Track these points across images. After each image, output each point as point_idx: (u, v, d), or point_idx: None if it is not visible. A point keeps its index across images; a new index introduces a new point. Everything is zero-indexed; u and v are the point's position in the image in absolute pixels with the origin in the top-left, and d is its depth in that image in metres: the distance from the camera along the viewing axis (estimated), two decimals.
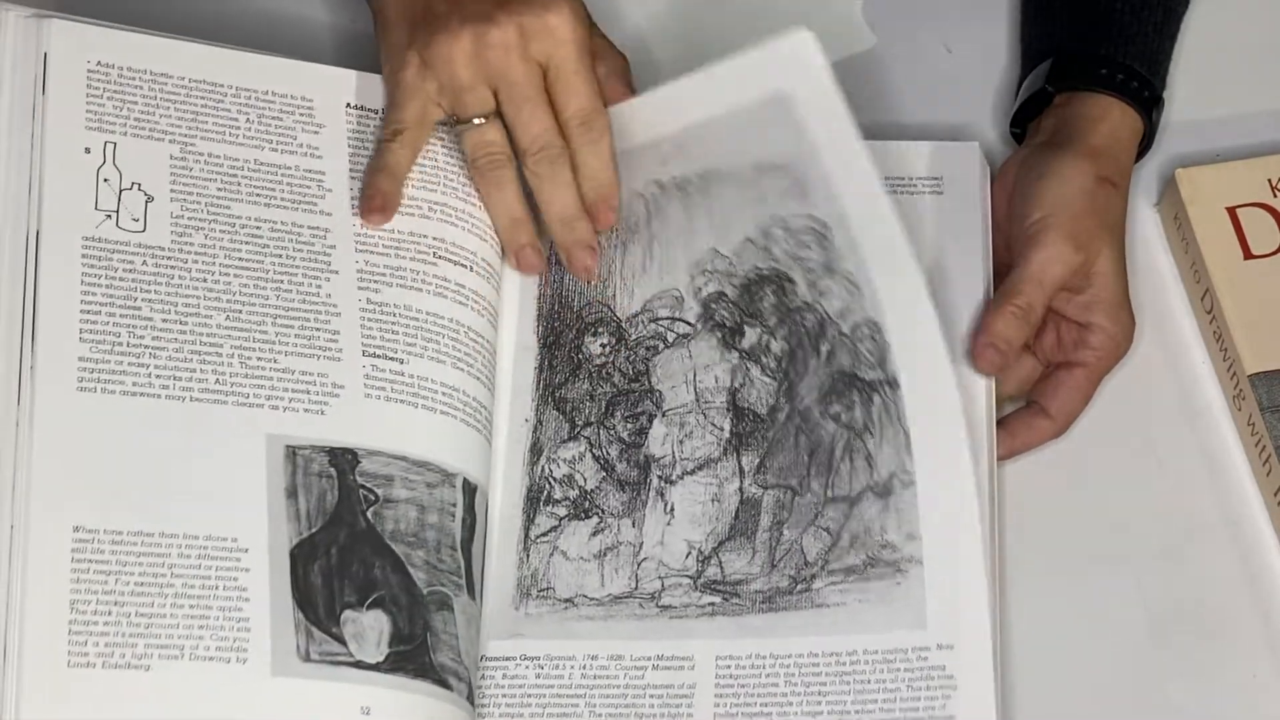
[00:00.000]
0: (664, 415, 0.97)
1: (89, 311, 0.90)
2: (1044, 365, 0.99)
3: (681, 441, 0.96)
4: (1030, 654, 0.94)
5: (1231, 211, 1.02)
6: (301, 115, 0.98)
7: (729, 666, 0.91)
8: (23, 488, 0.86)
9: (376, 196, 0.96)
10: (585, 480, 0.96)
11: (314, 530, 0.90)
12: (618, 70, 0.99)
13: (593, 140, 0.97)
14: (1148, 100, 1.01)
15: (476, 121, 0.96)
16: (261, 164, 0.96)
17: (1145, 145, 1.02)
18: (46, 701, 0.83)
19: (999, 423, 0.97)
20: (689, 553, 0.94)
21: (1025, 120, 1.03)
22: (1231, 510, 0.98)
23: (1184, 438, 1.00)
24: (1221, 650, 0.95)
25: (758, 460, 0.95)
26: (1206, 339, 1.02)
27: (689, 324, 0.98)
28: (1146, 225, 1.05)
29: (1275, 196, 1.03)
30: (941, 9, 1.11)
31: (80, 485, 0.87)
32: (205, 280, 0.93)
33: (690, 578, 0.94)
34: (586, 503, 0.96)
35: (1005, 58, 1.09)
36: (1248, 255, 1.01)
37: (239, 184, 0.95)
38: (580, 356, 0.99)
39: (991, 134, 1.07)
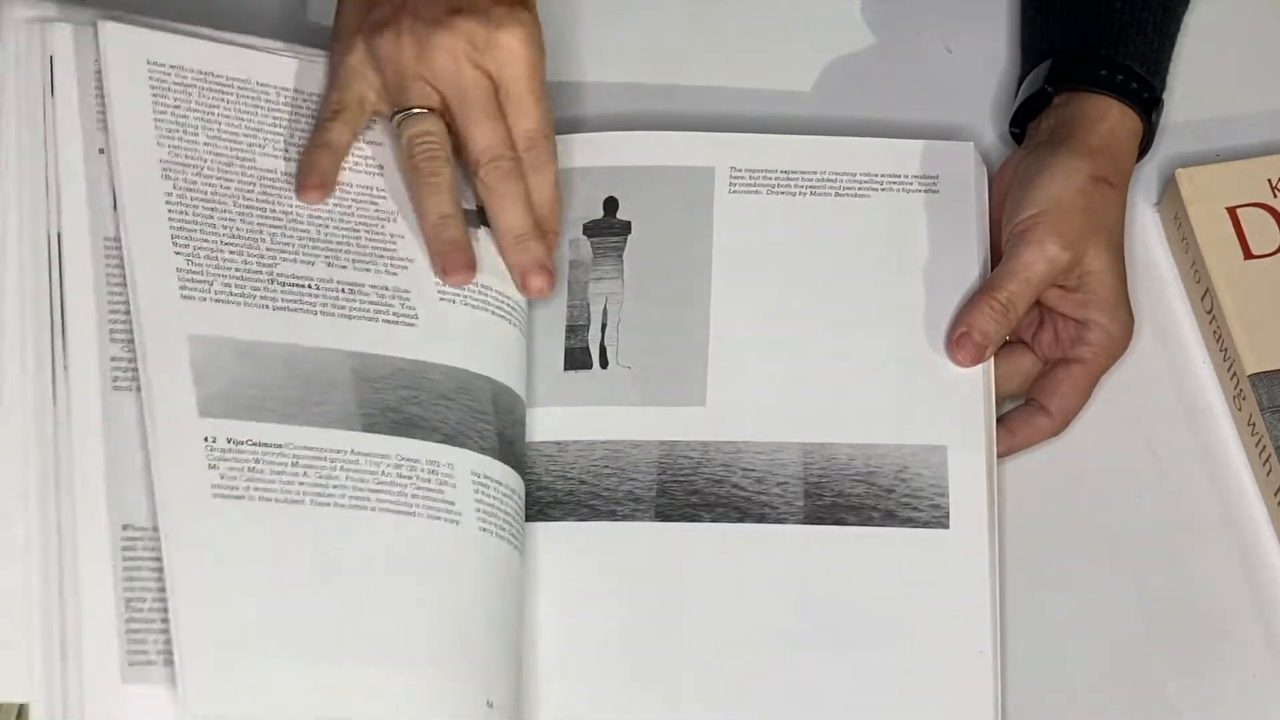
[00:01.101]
0: None
1: (116, 311, 0.89)
2: (1043, 362, 0.98)
3: None
4: (1030, 654, 0.94)
5: (1231, 211, 1.02)
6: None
7: None
8: (66, 490, 0.85)
9: (314, 174, 0.95)
10: None
11: None
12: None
13: (539, 164, 0.95)
14: (1147, 101, 1.01)
15: (416, 111, 0.94)
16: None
17: (1145, 146, 1.02)
18: (110, 702, 0.82)
19: (998, 420, 0.97)
20: None
21: (1025, 120, 1.03)
22: (1231, 510, 0.98)
23: (1184, 438, 1.00)
24: (1221, 650, 0.95)
25: None
26: (1206, 339, 1.02)
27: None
28: (1146, 225, 1.05)
29: (1275, 196, 1.03)
30: (941, 9, 1.11)
31: (124, 484, 0.86)
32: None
33: None
34: None
35: (1005, 58, 1.09)
36: (1248, 255, 1.01)
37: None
38: None
39: (991, 134, 1.07)
